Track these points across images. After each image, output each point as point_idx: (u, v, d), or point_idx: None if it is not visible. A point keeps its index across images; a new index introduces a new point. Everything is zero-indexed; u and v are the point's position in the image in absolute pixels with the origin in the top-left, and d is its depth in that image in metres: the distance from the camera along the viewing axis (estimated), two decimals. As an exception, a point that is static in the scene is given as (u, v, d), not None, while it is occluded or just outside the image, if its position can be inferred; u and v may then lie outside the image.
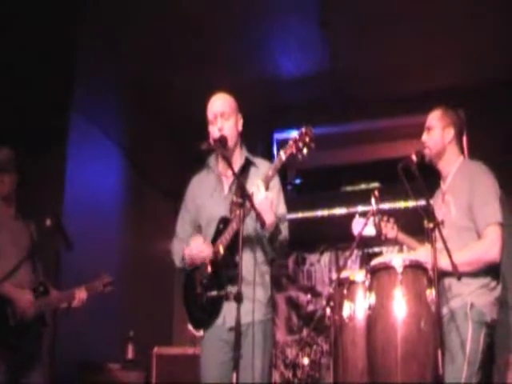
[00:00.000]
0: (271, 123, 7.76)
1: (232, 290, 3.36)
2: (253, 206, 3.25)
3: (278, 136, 7.90)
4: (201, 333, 3.61)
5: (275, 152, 7.73)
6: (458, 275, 3.32)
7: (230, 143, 3.63)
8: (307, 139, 3.38)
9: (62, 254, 5.25)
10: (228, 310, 3.46)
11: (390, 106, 7.37)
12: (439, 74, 7.01)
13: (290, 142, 3.39)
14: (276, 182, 3.68)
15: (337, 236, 7.52)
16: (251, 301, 3.33)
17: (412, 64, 6.87)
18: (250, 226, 3.48)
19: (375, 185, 7.70)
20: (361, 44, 6.57)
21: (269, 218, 3.38)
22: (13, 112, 5.66)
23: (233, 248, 3.46)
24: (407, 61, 6.83)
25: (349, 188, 8.30)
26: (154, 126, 7.65)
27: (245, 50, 6.68)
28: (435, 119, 4.03)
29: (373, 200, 4.10)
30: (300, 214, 7.91)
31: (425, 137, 4.02)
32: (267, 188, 3.41)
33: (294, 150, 3.38)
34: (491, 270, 3.71)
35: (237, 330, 3.09)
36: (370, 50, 6.66)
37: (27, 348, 4.37)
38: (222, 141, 3.55)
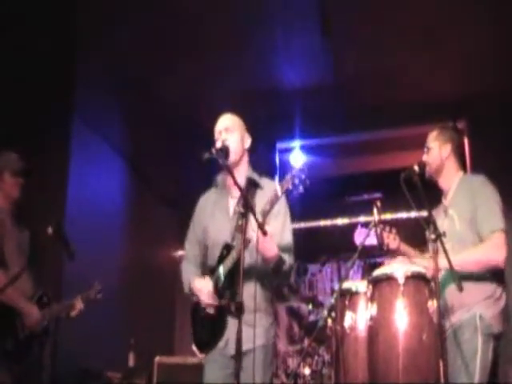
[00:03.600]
0: (274, 133, 7.76)
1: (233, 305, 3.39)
2: (254, 215, 3.25)
3: (280, 146, 7.91)
4: (203, 356, 3.67)
5: (277, 162, 7.74)
6: (460, 287, 3.32)
7: (233, 156, 3.65)
8: (303, 176, 3.36)
9: (63, 262, 5.28)
10: (231, 334, 3.43)
11: (392, 116, 7.38)
12: (442, 84, 7.03)
13: (287, 178, 3.38)
14: (281, 209, 3.68)
15: (339, 246, 7.51)
16: (252, 328, 3.34)
17: (416, 74, 6.89)
18: (251, 253, 3.47)
19: (377, 195, 7.71)
20: (363, 54, 6.58)
21: (269, 254, 3.42)
22: (14, 118, 5.66)
23: (232, 276, 3.48)
24: (411, 71, 6.85)
25: (351, 198, 8.30)
26: (156, 133, 7.66)
27: (247, 60, 6.70)
28: (432, 139, 4.11)
29: (375, 210, 4.11)
30: (302, 224, 7.92)
31: (425, 157, 4.09)
32: (264, 222, 3.38)
33: (290, 186, 3.37)
34: (495, 278, 3.72)
35: (238, 337, 3.08)
36: (373, 61, 6.67)
37: (31, 358, 4.38)
38: (224, 150, 3.55)
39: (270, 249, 3.41)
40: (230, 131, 3.71)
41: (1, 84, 5.60)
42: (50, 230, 4.24)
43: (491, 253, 3.69)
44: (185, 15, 5.94)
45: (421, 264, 3.80)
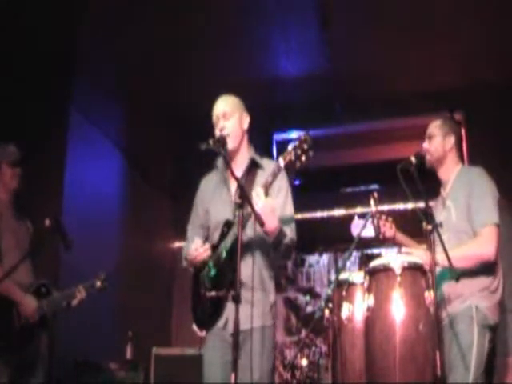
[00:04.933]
0: (270, 124, 7.75)
1: (232, 292, 3.36)
2: (252, 207, 3.25)
3: (277, 137, 7.90)
4: (204, 333, 3.63)
5: (275, 153, 7.74)
6: (457, 277, 3.33)
7: (232, 142, 3.64)
8: (305, 146, 3.35)
9: (61, 254, 5.28)
10: (231, 313, 3.40)
11: (389, 108, 7.37)
12: (439, 75, 7.02)
13: (289, 149, 3.37)
14: (283, 184, 3.67)
15: (336, 237, 7.52)
16: (251, 306, 3.33)
17: (412, 65, 6.87)
18: (251, 230, 3.47)
19: (374, 186, 7.72)
20: (360, 45, 6.56)
21: (270, 224, 3.37)
22: (12, 111, 5.65)
23: (234, 252, 3.45)
24: (407, 62, 6.83)
25: (348, 189, 8.31)
26: (154, 126, 7.65)
27: (244, 51, 6.68)
28: (436, 127, 4.11)
29: (372, 201, 4.12)
30: (299, 215, 7.89)
31: (426, 144, 4.10)
32: (267, 194, 3.39)
33: (293, 157, 3.36)
34: (491, 271, 3.73)
35: (235, 330, 3.08)
36: (370, 51, 6.65)
37: (30, 348, 4.38)
38: (221, 141, 3.54)
39: (272, 219, 3.38)
40: (227, 117, 3.69)
41: (0, 82, 5.59)
42: (47, 222, 4.25)
43: (481, 248, 3.70)
44: (183, 9, 5.92)
45: (417, 255, 3.82)
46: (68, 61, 6.05)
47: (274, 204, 3.42)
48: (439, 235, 3.41)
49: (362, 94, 7.28)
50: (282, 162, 3.40)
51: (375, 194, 4.14)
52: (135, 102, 7.13)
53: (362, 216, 4.27)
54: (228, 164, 3.46)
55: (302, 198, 7.90)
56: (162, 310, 7.59)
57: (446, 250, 3.36)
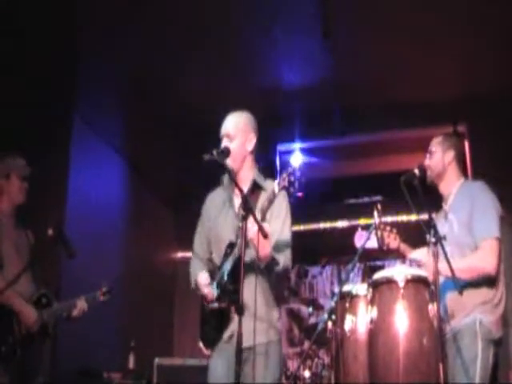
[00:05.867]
0: (274, 135, 7.76)
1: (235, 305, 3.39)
2: (255, 218, 3.26)
3: (280, 148, 7.90)
4: (208, 352, 3.69)
5: (278, 164, 7.73)
6: (460, 290, 3.33)
7: (233, 164, 3.66)
8: (298, 174, 3.38)
9: (62, 262, 5.28)
10: (236, 326, 3.33)
11: (392, 119, 7.38)
12: (443, 87, 7.03)
13: (283, 176, 3.40)
14: (282, 208, 3.70)
15: (339, 249, 7.51)
16: (254, 322, 3.34)
17: (414, 76, 6.90)
18: (251, 252, 3.48)
19: (378, 198, 7.71)
20: (363, 55, 6.59)
21: (262, 251, 3.40)
22: (15, 120, 5.66)
23: (236, 273, 3.46)
24: (409, 73, 6.85)
25: (351, 201, 8.31)
26: (157, 134, 7.66)
27: (247, 61, 6.70)
28: (436, 144, 4.16)
29: (375, 213, 4.11)
30: (302, 227, 7.92)
31: (427, 161, 4.12)
32: (264, 219, 3.43)
33: (286, 184, 3.39)
34: (492, 284, 3.74)
35: (238, 340, 3.10)
36: (372, 62, 6.68)
37: (30, 358, 4.37)
38: (225, 152, 3.58)
39: (263, 248, 3.40)
40: (230, 138, 3.73)
41: (1, 84, 5.59)
42: (50, 232, 4.24)
43: (482, 262, 3.71)
44: (184, 15, 5.94)
45: (417, 256, 3.84)
46: (70, 69, 6.06)
47: (268, 231, 3.41)
48: (443, 247, 3.41)
49: (365, 105, 7.29)
50: (276, 188, 3.43)
51: (379, 206, 4.14)
52: (138, 110, 7.15)
53: (366, 227, 4.27)
54: (232, 177, 3.49)
55: (305, 209, 7.94)
56: (163, 319, 7.58)
57: (448, 261, 3.36)
